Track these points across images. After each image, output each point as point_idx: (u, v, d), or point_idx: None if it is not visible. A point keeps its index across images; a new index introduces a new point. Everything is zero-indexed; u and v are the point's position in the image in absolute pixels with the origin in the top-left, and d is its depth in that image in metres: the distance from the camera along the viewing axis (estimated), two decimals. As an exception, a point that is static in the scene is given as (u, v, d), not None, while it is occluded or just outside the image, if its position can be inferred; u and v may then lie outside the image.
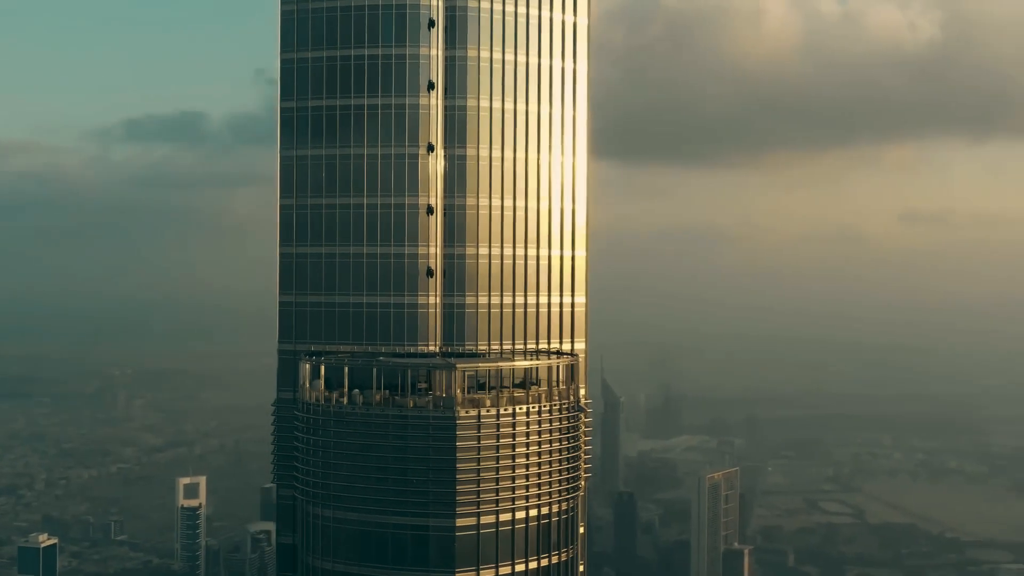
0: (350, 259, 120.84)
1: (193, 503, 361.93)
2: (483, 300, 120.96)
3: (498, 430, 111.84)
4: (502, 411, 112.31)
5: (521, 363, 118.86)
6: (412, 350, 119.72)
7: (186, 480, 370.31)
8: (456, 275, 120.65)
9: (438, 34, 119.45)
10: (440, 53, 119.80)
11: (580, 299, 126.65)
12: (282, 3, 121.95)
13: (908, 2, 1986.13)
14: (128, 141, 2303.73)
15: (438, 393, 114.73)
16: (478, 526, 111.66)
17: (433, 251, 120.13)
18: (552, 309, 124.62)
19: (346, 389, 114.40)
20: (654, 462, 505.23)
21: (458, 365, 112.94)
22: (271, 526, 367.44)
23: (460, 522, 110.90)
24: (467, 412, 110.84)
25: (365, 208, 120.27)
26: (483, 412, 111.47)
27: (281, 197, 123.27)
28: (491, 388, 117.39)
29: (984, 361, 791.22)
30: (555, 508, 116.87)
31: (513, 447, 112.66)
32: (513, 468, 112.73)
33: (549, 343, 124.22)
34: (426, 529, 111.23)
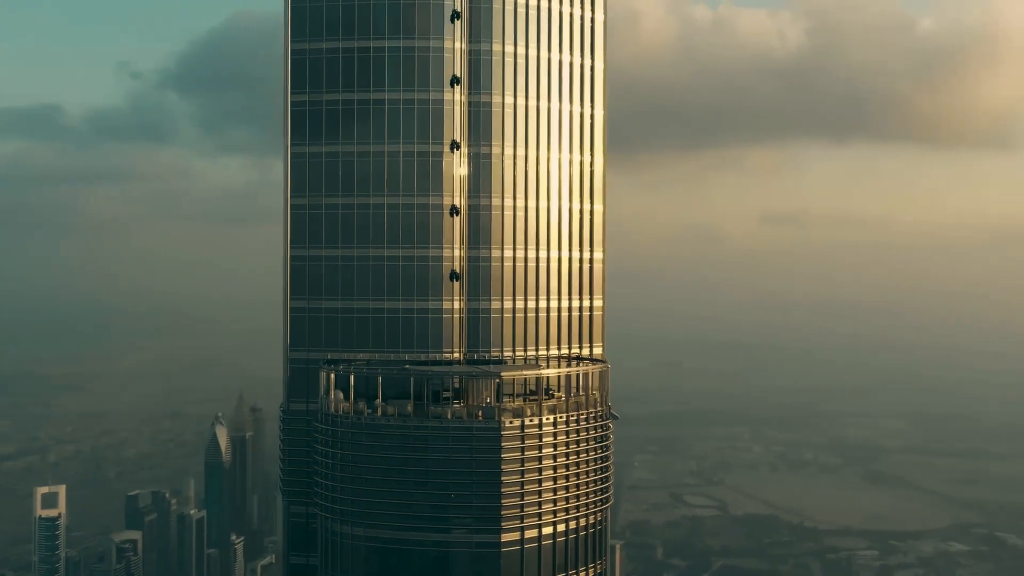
0: (369, 262, 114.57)
1: (52, 513, 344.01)
2: (507, 304, 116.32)
3: (540, 440, 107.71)
4: (544, 420, 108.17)
5: (559, 370, 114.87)
6: (437, 357, 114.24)
7: (44, 489, 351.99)
8: (480, 279, 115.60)
9: (462, 27, 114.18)
10: (463, 47, 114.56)
11: (598, 302, 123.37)
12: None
13: (777, 11, 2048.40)
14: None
15: (472, 402, 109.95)
16: (522, 540, 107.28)
17: (457, 253, 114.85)
18: (572, 313, 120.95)
19: (380, 400, 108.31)
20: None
21: (502, 374, 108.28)
22: (137, 535, 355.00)
23: (505, 537, 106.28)
24: (511, 422, 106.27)
25: (386, 208, 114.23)
26: (526, 422, 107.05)
27: (292, 196, 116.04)
28: (518, 395, 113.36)
29: (834, 357, 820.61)
30: (591, 519, 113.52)
31: (555, 457, 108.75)
32: (555, 479, 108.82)
33: (570, 348, 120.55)
34: (470, 545, 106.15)
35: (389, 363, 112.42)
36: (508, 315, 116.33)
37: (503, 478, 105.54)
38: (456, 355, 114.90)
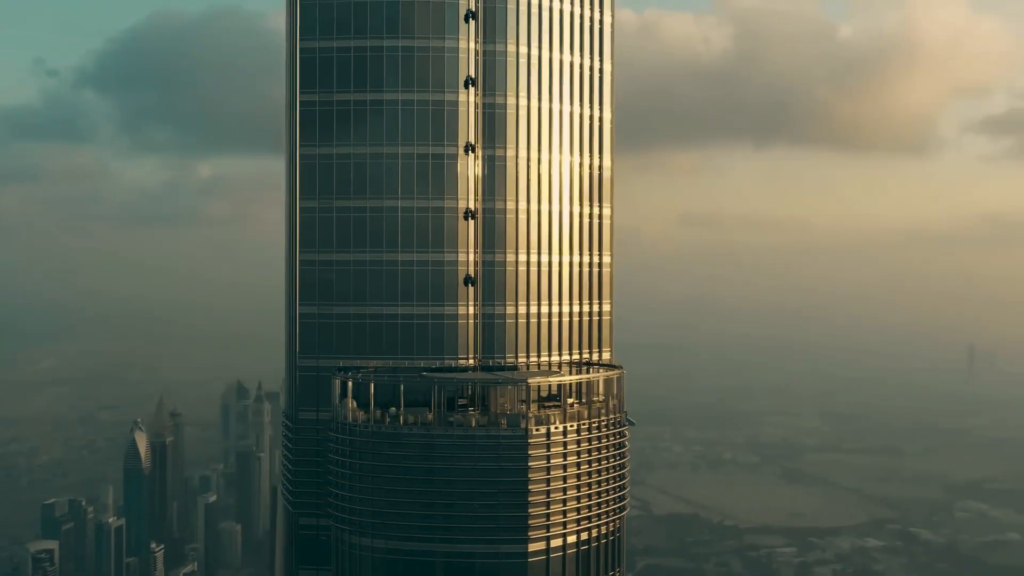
0: (382, 267, 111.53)
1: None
2: (521, 310, 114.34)
3: (565, 448, 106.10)
4: (568, 427, 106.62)
5: (582, 377, 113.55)
6: (452, 364, 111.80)
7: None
8: (494, 284, 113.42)
9: (477, 27, 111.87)
10: (478, 47, 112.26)
11: (606, 307, 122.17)
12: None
13: (703, 15, 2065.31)
14: None
15: (494, 410, 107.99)
16: (547, 550, 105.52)
17: (471, 258, 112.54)
18: (583, 318, 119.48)
19: (402, 408, 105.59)
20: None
21: (528, 381, 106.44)
22: (54, 544, 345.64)
23: (532, 547, 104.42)
24: (537, 430, 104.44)
25: (399, 212, 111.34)
26: (552, 429, 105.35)
27: (301, 199, 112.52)
28: (532, 401, 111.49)
29: (751, 358, 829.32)
30: (611, 527, 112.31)
31: (578, 465, 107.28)
32: (578, 487, 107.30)
33: (580, 353, 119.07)
34: (497, 556, 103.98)
35: (405, 370, 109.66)
36: (522, 320, 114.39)
37: (530, 487, 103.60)
38: (470, 361, 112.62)
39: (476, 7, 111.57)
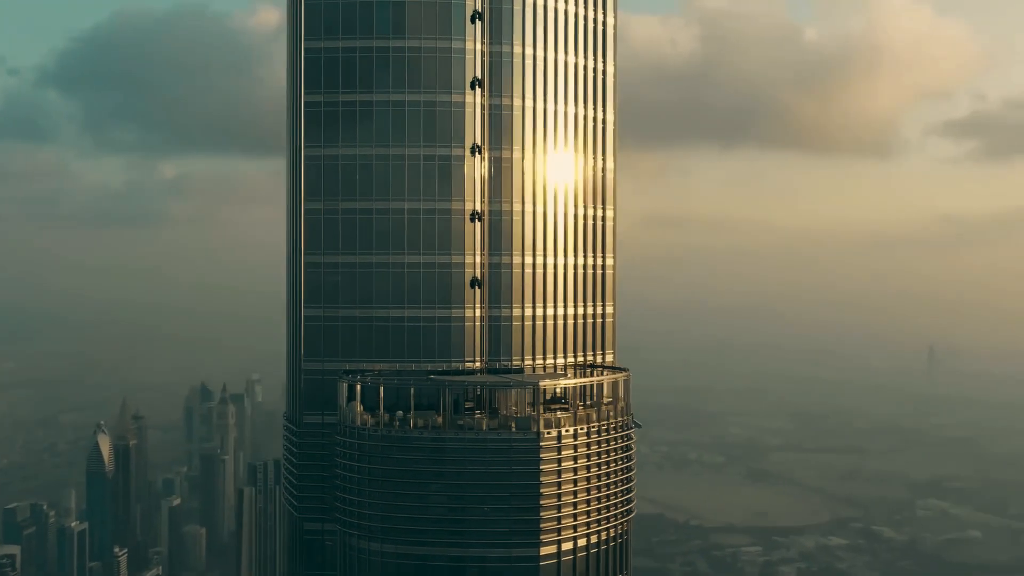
0: (388, 269, 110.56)
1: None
2: (527, 312, 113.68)
3: (575, 451, 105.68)
4: (579, 430, 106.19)
5: (592, 379, 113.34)
6: (459, 367, 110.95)
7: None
8: (501, 286, 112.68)
9: (483, 28, 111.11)
10: (484, 48, 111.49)
11: (609, 308, 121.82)
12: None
13: (669, 17, 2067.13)
14: None
15: (504, 412, 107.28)
16: (559, 553, 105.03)
17: (478, 260, 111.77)
18: (587, 320, 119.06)
19: (412, 411, 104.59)
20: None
21: (540, 383, 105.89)
22: (15, 549, 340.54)
23: (543, 551, 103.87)
24: (549, 432, 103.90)
25: (406, 213, 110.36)
26: (563, 432, 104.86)
27: (306, 200, 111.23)
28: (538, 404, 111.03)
29: (715, 359, 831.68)
30: (618, 530, 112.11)
31: (588, 468, 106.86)
32: (588, 491, 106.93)
33: (585, 355, 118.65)
34: (508, 560, 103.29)
35: (412, 373, 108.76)
36: (528, 323, 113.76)
37: (542, 490, 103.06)
38: (477, 364, 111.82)
39: (482, 8, 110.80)
